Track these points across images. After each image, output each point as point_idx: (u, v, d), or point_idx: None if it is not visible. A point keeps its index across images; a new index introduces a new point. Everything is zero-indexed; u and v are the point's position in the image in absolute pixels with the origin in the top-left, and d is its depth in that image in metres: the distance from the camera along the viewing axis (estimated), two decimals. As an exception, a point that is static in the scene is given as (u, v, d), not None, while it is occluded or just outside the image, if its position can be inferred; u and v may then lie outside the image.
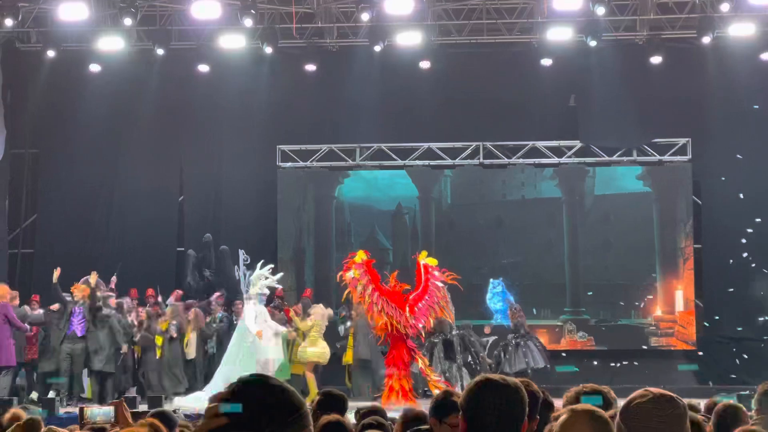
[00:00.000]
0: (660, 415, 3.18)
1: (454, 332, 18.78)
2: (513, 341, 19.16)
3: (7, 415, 7.34)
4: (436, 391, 15.05)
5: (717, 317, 21.21)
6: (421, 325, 16.64)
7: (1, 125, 21.81)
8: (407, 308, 16.38)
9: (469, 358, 18.81)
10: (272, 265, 18.28)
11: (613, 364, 20.83)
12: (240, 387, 2.55)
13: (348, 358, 18.97)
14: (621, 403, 3.61)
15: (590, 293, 21.51)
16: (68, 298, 17.50)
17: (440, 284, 16.91)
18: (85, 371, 17.60)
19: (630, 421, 3.20)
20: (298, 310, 18.58)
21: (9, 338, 16.74)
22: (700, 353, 20.99)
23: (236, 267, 18.20)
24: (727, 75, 21.08)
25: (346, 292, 17.28)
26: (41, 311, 18.09)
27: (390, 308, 16.23)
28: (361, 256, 16.69)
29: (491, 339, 19.65)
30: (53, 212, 22.40)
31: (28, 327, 17.56)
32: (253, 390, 2.54)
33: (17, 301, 17.78)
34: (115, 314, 17.69)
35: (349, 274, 16.56)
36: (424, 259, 17.26)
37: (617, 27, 21.43)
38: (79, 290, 17.44)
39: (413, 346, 16.79)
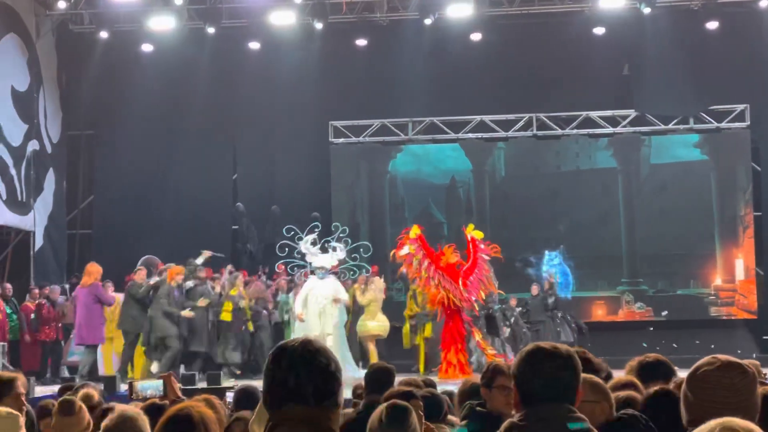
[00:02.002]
0: (727, 383, 3.11)
1: (496, 307, 18.70)
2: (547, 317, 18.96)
3: (80, 394, 7.41)
4: None
5: (779, 285, 20.94)
6: (473, 299, 16.58)
7: (58, 107, 22.02)
8: (460, 282, 16.35)
9: (509, 332, 18.69)
10: (314, 236, 18.04)
11: (672, 335, 20.62)
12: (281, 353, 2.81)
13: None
14: (682, 374, 3.55)
15: (647, 263, 21.32)
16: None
17: (486, 257, 16.84)
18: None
19: (696, 389, 3.13)
20: (362, 283, 18.46)
21: (100, 317, 16.94)
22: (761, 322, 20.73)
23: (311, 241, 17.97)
24: (785, 38, 20.73)
25: (400, 268, 17.24)
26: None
27: (446, 282, 16.19)
28: (415, 231, 16.64)
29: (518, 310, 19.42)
30: (109, 193, 22.60)
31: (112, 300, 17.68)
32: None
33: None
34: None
35: (404, 251, 16.51)
36: (471, 232, 17.16)
37: (671, -7, 21.12)
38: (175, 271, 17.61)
39: (468, 319, 16.74)
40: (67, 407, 5.82)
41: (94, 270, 16.88)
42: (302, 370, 2.83)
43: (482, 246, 17.02)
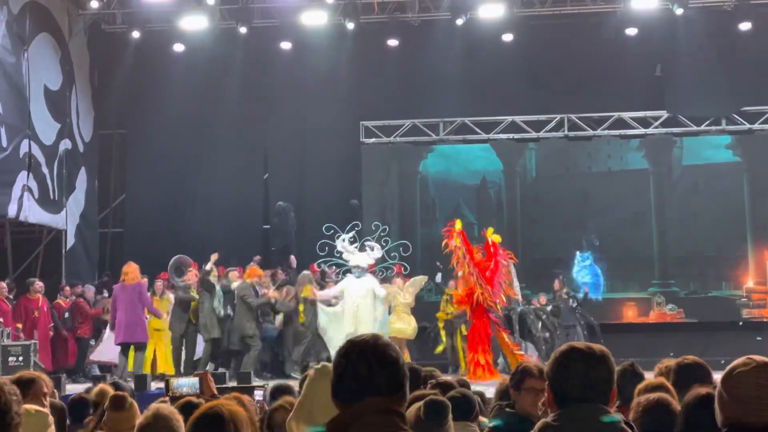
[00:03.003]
0: (763, 384, 3.09)
1: (518, 309, 18.65)
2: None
3: (96, 390, 7.45)
4: None
5: (811, 288, 20.77)
6: (497, 301, 16.56)
7: (90, 106, 22.16)
8: (488, 282, 16.36)
9: (537, 333, 18.62)
10: (351, 235, 18.06)
11: (703, 337, 20.48)
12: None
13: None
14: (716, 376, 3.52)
15: (678, 265, 21.20)
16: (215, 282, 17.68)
17: (504, 262, 16.81)
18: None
19: (732, 389, 3.12)
20: (400, 285, 18.42)
21: (142, 315, 16.84)
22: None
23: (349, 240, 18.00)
24: (819, 39, 20.54)
25: (454, 258, 17.00)
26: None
27: (482, 280, 16.22)
28: (459, 224, 16.75)
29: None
30: (141, 192, 22.71)
31: (161, 312, 17.74)
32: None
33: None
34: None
35: (454, 242, 16.56)
36: (491, 235, 17.17)
37: (704, -7, 20.99)
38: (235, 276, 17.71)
39: (496, 320, 16.67)
40: (119, 402, 5.86)
41: (134, 269, 16.87)
42: (375, 362, 2.92)
43: (501, 251, 17.01)
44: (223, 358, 17.65)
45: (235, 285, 17.44)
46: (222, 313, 17.29)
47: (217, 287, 17.37)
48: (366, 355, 2.93)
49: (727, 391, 3.13)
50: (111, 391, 6.99)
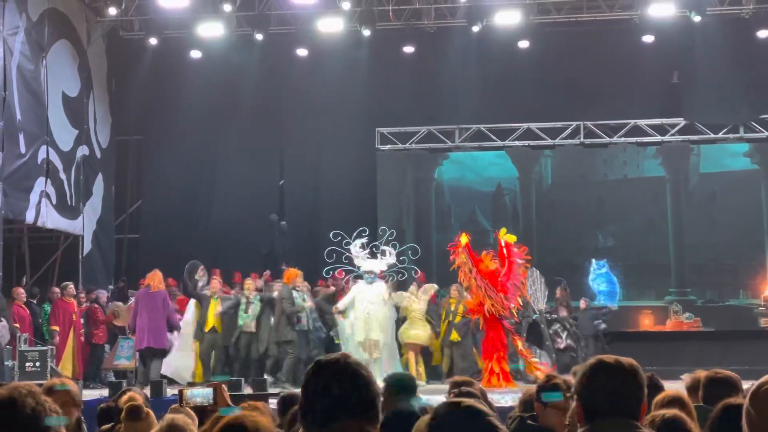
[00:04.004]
0: (790, 399, 3.06)
1: (534, 315, 18.58)
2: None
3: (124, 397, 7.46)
4: (537, 374, 14.93)
5: (829, 297, 20.64)
6: (512, 306, 16.40)
7: (107, 113, 22.23)
8: (500, 288, 16.20)
9: (547, 342, 18.57)
10: (362, 240, 17.97)
11: (720, 346, 20.38)
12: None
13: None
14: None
15: (695, 273, 21.12)
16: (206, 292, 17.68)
17: (519, 261, 16.66)
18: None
19: (759, 405, 3.08)
20: (414, 291, 18.33)
21: (165, 323, 16.73)
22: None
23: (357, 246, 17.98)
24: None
25: (461, 274, 16.91)
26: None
27: (491, 290, 16.11)
28: (464, 239, 16.59)
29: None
30: (157, 198, 22.79)
31: (179, 325, 17.77)
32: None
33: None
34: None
35: (460, 258, 16.44)
36: (504, 236, 16.97)
37: (722, 0, 20.89)
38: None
39: (510, 327, 16.59)
40: (135, 412, 5.87)
41: (159, 276, 16.86)
42: (346, 382, 2.85)
43: (515, 250, 16.85)
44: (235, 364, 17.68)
45: (276, 292, 17.51)
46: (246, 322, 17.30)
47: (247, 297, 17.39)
48: (336, 375, 2.86)
49: (755, 408, 3.10)
50: (138, 398, 7.00)
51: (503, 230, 17.23)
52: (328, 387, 2.85)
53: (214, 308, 17.19)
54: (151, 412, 6.06)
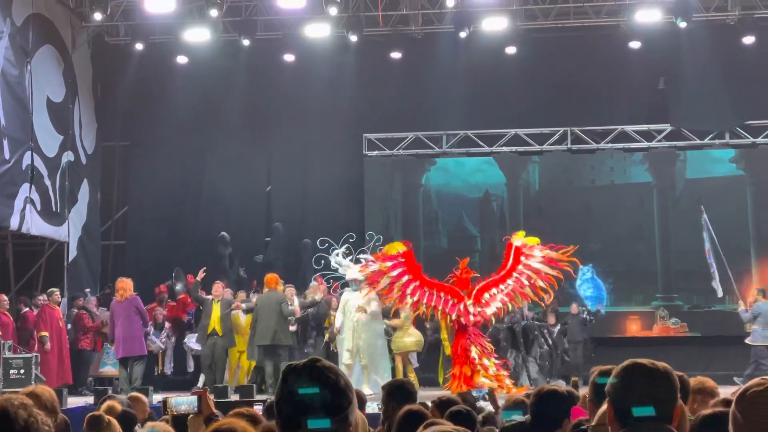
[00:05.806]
0: (777, 404, 3.04)
1: (523, 322, 18.48)
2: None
3: (103, 406, 7.40)
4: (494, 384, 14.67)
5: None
6: (490, 312, 16.15)
7: (92, 119, 22.14)
8: (471, 297, 15.92)
9: (539, 349, 18.50)
10: (344, 248, 17.94)
11: (707, 351, 20.39)
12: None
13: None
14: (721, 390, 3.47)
15: (682, 279, 21.12)
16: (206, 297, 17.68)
17: (538, 265, 16.37)
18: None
19: (746, 410, 3.06)
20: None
21: (140, 329, 16.97)
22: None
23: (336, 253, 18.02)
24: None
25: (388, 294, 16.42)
26: None
27: (433, 298, 15.82)
28: (397, 247, 16.38)
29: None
30: (143, 204, 22.71)
31: (150, 327, 17.84)
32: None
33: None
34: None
35: (370, 269, 16.23)
36: (521, 239, 16.65)
37: (708, 7, 20.93)
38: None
39: (477, 332, 16.26)
40: (94, 423, 5.82)
41: (128, 284, 16.96)
42: (311, 386, 2.81)
43: (537, 252, 16.42)
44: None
45: (318, 296, 17.81)
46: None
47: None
48: (301, 379, 2.82)
49: (742, 413, 3.08)
50: (118, 406, 6.95)
51: (521, 233, 16.93)
52: (292, 392, 2.81)
53: (216, 312, 17.29)
54: (114, 421, 6.00)
